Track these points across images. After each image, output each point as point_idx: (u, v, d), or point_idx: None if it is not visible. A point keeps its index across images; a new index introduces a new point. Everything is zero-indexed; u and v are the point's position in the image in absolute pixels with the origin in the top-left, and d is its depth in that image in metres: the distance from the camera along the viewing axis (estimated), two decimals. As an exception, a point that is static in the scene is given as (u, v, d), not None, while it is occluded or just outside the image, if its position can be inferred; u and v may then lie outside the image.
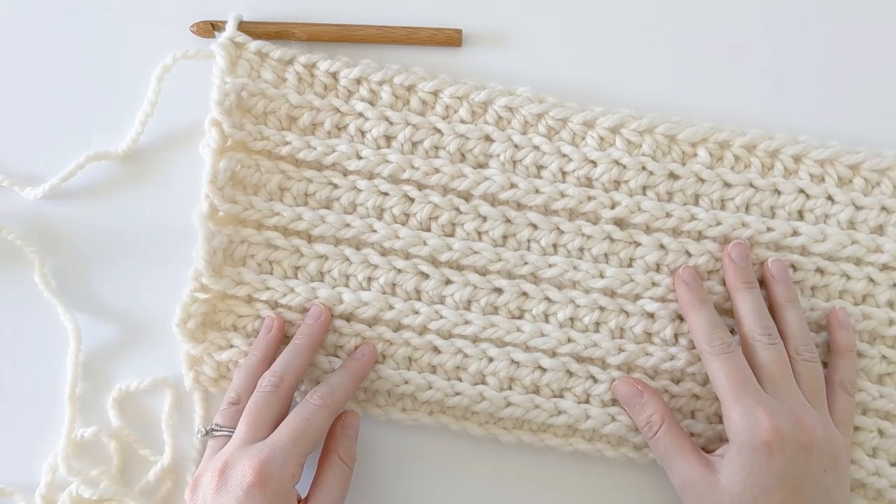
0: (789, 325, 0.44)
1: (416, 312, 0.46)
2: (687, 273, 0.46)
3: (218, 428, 0.44)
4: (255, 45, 0.48)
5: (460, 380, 0.46)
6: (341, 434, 0.45)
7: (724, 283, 0.46)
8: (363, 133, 0.47)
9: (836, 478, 0.42)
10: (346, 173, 0.47)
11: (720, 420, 0.45)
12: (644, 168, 0.47)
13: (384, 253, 0.47)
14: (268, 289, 0.46)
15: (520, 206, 0.47)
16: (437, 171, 0.47)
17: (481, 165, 0.47)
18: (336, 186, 0.47)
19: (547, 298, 0.46)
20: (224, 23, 0.48)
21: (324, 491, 0.43)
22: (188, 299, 0.46)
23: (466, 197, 0.47)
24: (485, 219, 0.47)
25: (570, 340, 0.46)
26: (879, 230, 0.47)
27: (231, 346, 0.46)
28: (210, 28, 0.49)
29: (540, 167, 0.47)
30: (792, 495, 0.40)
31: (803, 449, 0.41)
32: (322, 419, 0.43)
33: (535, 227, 0.47)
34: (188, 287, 0.46)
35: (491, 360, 0.46)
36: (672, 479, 0.44)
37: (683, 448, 0.43)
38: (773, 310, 0.45)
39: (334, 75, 0.48)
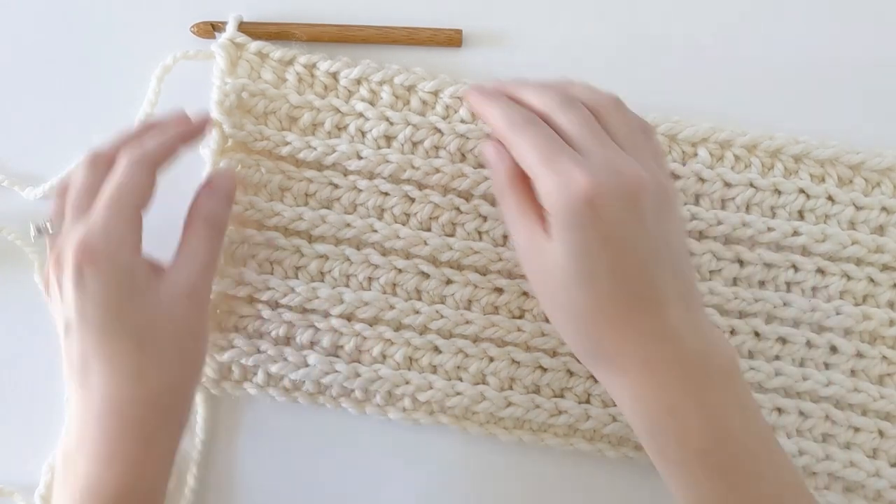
0: (579, 96, 0.40)
1: (417, 312, 0.46)
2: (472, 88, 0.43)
3: (50, 225, 0.42)
4: (255, 45, 0.48)
5: (461, 379, 0.46)
6: (206, 196, 0.43)
7: (726, 283, 0.46)
8: (363, 133, 0.47)
9: (670, 218, 0.38)
10: (346, 173, 0.47)
11: None
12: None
13: (385, 253, 0.47)
14: (269, 289, 0.46)
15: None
16: (437, 170, 0.47)
17: (482, 165, 0.47)
18: (336, 186, 0.47)
19: (547, 298, 0.46)
20: (224, 23, 0.48)
21: (186, 254, 0.41)
22: None
23: (467, 197, 0.47)
24: (485, 219, 0.47)
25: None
26: (880, 230, 0.47)
27: (232, 347, 0.46)
28: (210, 29, 0.49)
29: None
30: (624, 252, 0.36)
31: (630, 197, 0.36)
32: (136, 174, 0.40)
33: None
34: None
35: (492, 359, 0.46)
36: (512, 237, 0.41)
37: (524, 208, 0.39)
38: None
39: (334, 75, 0.48)
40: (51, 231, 0.42)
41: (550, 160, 0.37)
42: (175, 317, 0.40)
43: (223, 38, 0.47)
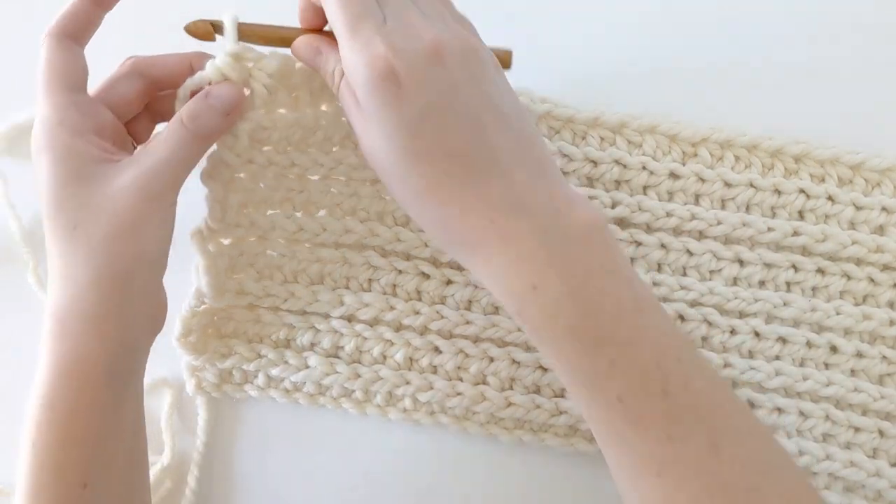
0: None
1: (418, 313, 0.46)
2: None
3: None
4: (271, 64, 0.41)
5: (461, 380, 0.46)
6: (196, 97, 0.39)
7: (726, 283, 0.46)
8: None
9: (489, 79, 0.36)
10: (348, 180, 0.47)
11: None
12: (645, 168, 0.47)
13: (385, 255, 0.47)
14: (269, 295, 0.46)
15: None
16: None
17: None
18: (338, 193, 0.46)
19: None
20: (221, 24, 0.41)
21: (149, 148, 0.38)
22: (188, 314, 0.46)
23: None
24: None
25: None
26: (880, 230, 0.47)
27: (234, 353, 0.46)
28: (210, 29, 0.41)
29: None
30: (443, 120, 0.34)
31: (434, 60, 0.34)
32: (48, 51, 0.38)
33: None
34: (188, 303, 0.46)
35: (492, 360, 0.46)
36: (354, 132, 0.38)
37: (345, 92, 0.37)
38: None
39: None
40: None
41: (354, 27, 0.34)
42: (117, 209, 0.36)
43: (225, 53, 0.40)
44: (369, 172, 0.45)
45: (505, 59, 0.42)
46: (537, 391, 0.46)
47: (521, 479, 0.48)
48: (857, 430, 0.45)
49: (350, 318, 0.47)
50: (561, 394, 0.46)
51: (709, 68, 0.50)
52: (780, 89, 0.50)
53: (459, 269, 0.47)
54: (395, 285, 0.47)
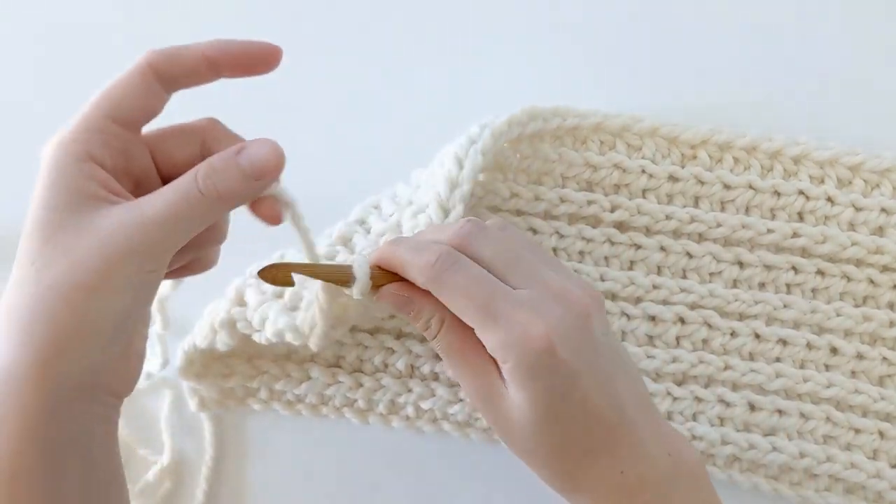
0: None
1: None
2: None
3: None
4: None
5: (463, 386, 0.46)
6: (228, 155, 0.32)
7: (726, 286, 0.46)
8: None
9: (609, 327, 0.37)
10: None
11: (722, 423, 0.45)
12: (644, 171, 0.46)
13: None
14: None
15: (520, 213, 0.47)
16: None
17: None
18: None
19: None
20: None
21: (156, 194, 0.32)
22: (192, 350, 0.45)
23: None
24: (486, 224, 0.47)
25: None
26: (879, 231, 0.47)
27: (235, 373, 0.46)
28: (289, 279, 0.35)
29: (542, 172, 0.47)
30: (589, 385, 0.34)
31: (584, 326, 0.34)
32: (126, 76, 0.32)
33: (535, 231, 0.47)
34: (190, 340, 0.44)
35: (493, 365, 0.46)
36: (464, 390, 0.37)
37: (473, 360, 0.36)
38: None
39: None
40: None
41: (491, 310, 0.34)
42: (77, 258, 0.30)
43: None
44: None
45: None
46: (539, 396, 0.46)
47: (524, 486, 0.48)
48: (857, 431, 0.46)
49: (351, 328, 0.46)
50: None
51: (709, 69, 0.50)
52: (779, 90, 0.50)
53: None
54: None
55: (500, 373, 0.35)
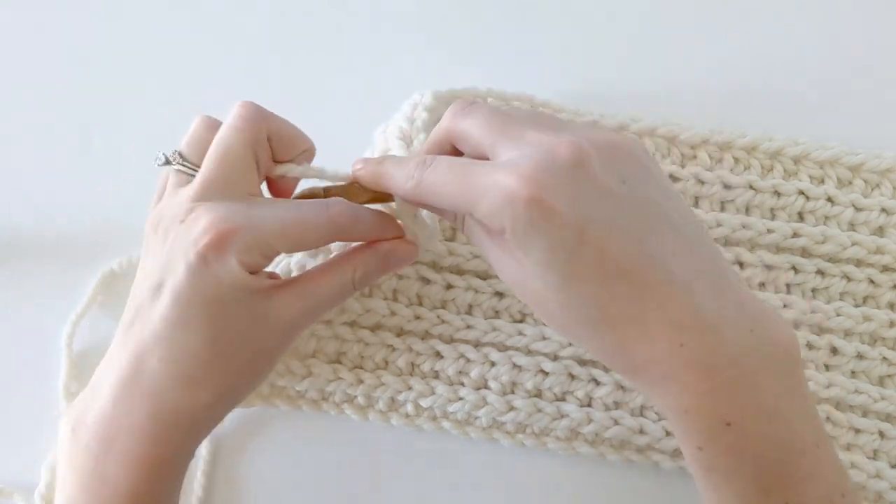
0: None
1: (419, 318, 0.46)
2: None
3: (182, 161, 0.38)
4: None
5: (463, 384, 0.46)
6: (375, 253, 0.38)
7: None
8: None
9: (643, 177, 0.33)
10: None
11: None
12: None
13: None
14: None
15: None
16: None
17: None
18: None
19: (548, 302, 0.46)
20: None
21: (312, 289, 0.37)
22: None
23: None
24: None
25: (571, 343, 0.46)
26: (880, 231, 0.47)
27: None
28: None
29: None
30: (599, 236, 0.31)
31: (577, 170, 0.31)
32: (321, 232, 0.36)
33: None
34: None
35: (493, 364, 0.46)
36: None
37: (490, 241, 0.34)
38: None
39: None
40: (173, 163, 0.38)
41: (471, 187, 0.32)
42: (262, 341, 0.36)
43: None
44: None
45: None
46: (539, 395, 0.46)
47: (523, 484, 0.48)
48: (857, 431, 0.45)
49: (352, 324, 0.47)
50: (562, 397, 0.46)
51: (709, 70, 0.50)
52: (779, 91, 0.50)
53: (460, 273, 0.47)
54: (395, 290, 0.47)
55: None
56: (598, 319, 0.32)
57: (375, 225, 0.38)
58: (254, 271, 0.36)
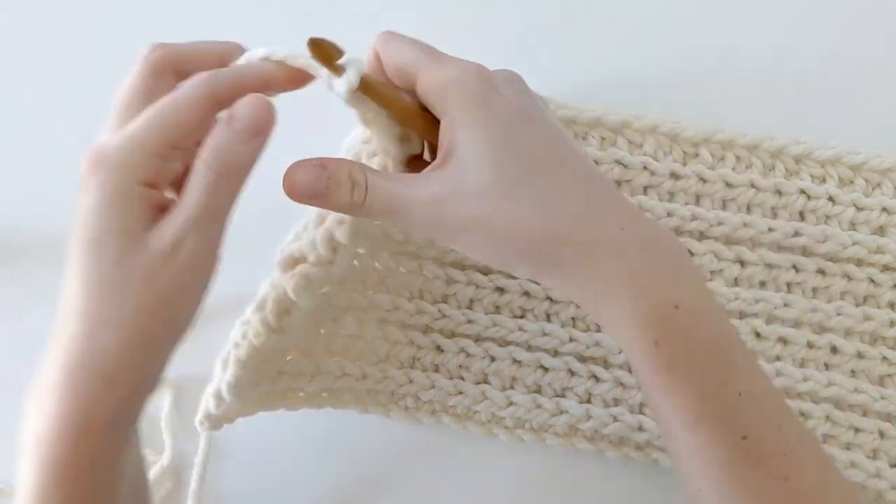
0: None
1: (421, 312, 0.46)
2: None
3: None
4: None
5: (463, 379, 0.47)
6: (221, 128, 0.32)
7: (727, 284, 0.46)
8: None
9: (534, 97, 0.38)
10: None
11: None
12: (646, 168, 0.47)
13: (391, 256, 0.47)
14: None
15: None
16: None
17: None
18: None
19: (549, 298, 0.47)
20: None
21: (178, 207, 0.32)
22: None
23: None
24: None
25: (571, 340, 0.46)
26: (880, 231, 0.47)
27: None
28: (335, 54, 0.34)
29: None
30: (535, 131, 0.34)
31: (485, 82, 0.35)
32: (184, 103, 0.32)
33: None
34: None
35: (493, 359, 0.46)
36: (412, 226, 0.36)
37: (404, 180, 0.35)
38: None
39: None
40: None
41: (432, 60, 0.35)
42: (147, 278, 0.32)
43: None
44: None
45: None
46: (538, 391, 0.46)
47: (522, 479, 0.48)
48: (857, 430, 0.45)
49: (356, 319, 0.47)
50: (562, 393, 0.46)
51: (710, 69, 0.50)
52: (780, 90, 0.50)
53: (462, 268, 0.47)
54: (399, 285, 0.47)
55: (444, 168, 0.34)
56: (542, 206, 0.32)
57: (241, 70, 0.34)
58: (154, 183, 0.32)
